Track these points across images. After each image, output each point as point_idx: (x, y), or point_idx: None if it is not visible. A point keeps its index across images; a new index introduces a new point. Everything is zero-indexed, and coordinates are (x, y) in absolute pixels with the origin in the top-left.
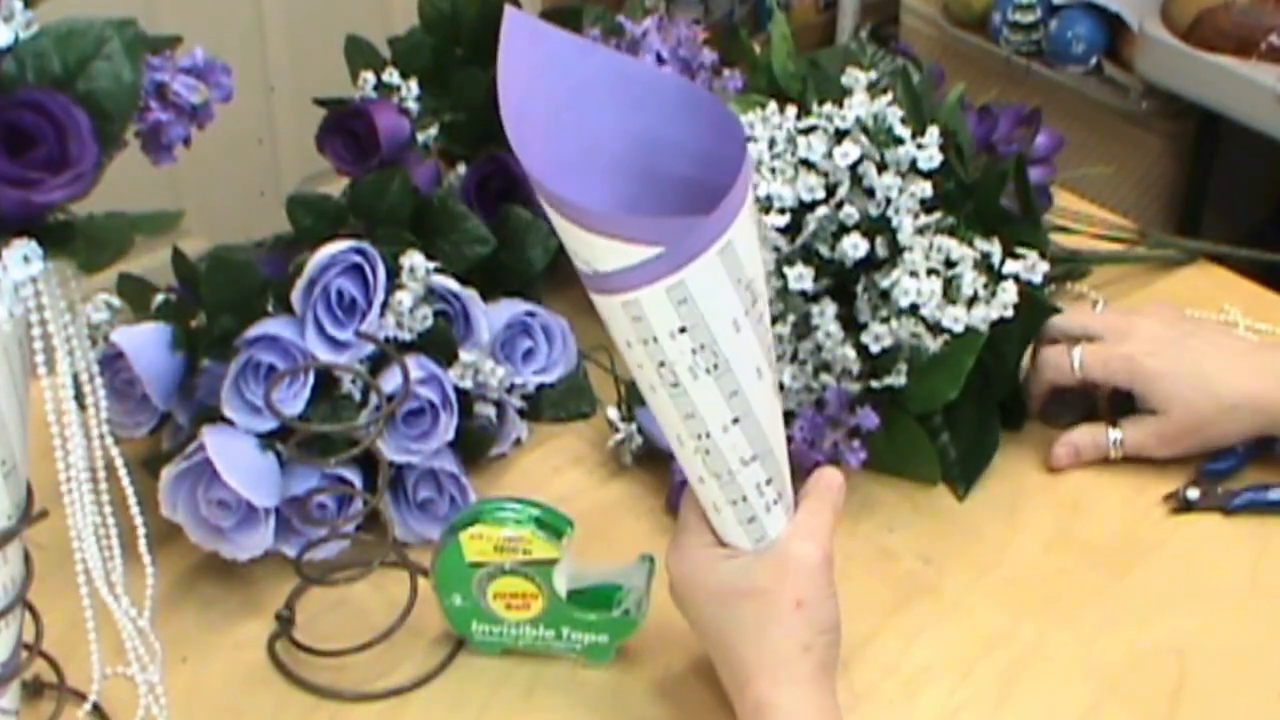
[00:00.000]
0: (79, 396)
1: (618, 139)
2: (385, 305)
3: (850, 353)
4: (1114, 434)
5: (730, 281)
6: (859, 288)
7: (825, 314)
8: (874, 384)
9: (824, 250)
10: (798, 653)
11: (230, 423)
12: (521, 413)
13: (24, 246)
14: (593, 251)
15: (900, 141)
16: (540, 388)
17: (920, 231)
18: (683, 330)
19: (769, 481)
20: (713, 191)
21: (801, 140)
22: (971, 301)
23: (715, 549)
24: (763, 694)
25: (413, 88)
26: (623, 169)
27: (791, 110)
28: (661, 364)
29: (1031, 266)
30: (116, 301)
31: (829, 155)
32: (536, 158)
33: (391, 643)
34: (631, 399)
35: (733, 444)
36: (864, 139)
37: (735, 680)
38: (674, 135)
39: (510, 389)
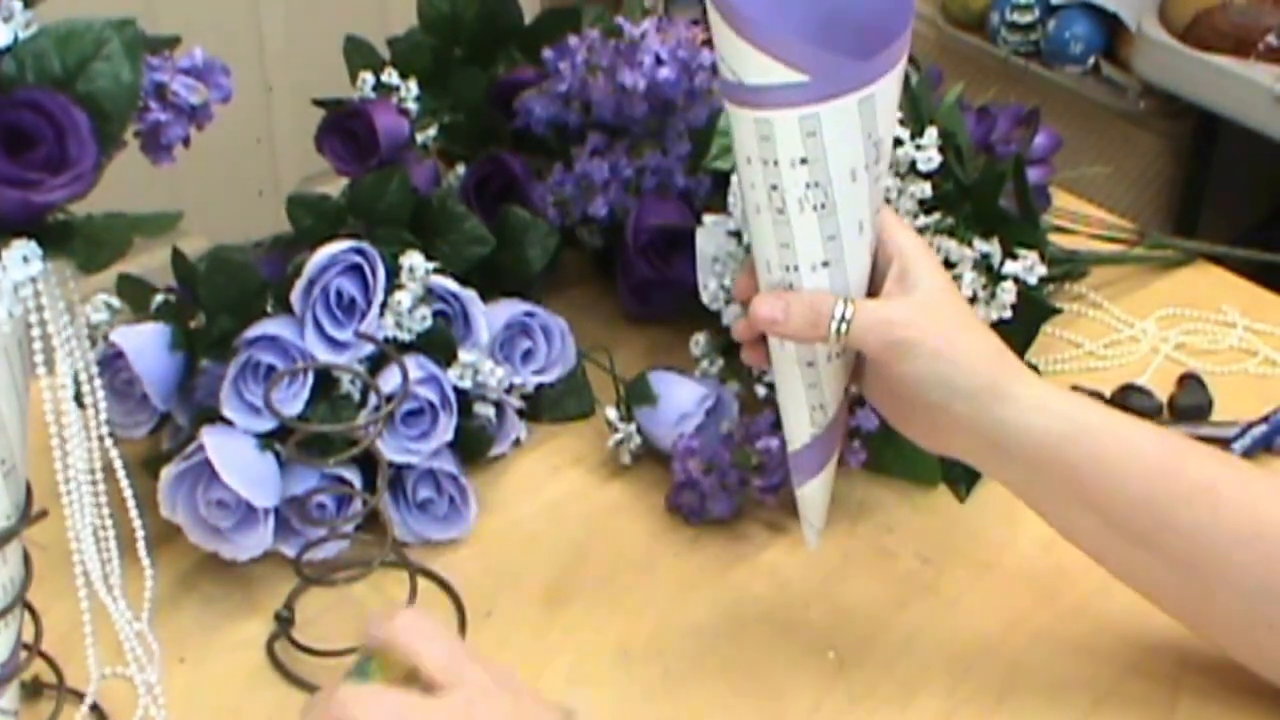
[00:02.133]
0: (78, 397)
1: None
2: (384, 305)
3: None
4: (842, 309)
5: (861, 132)
6: None
7: None
8: None
9: None
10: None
11: (230, 423)
12: (521, 413)
13: (23, 247)
14: (742, 61)
15: (899, 142)
16: (539, 388)
17: (920, 232)
18: (804, 161)
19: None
20: (874, 42)
21: None
22: (971, 302)
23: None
24: None
25: (412, 88)
26: (817, 7)
27: None
28: (774, 187)
29: (1030, 267)
30: (116, 302)
31: None
32: None
33: None
34: (630, 399)
35: (816, 286)
36: None
37: None
38: None
39: (509, 389)
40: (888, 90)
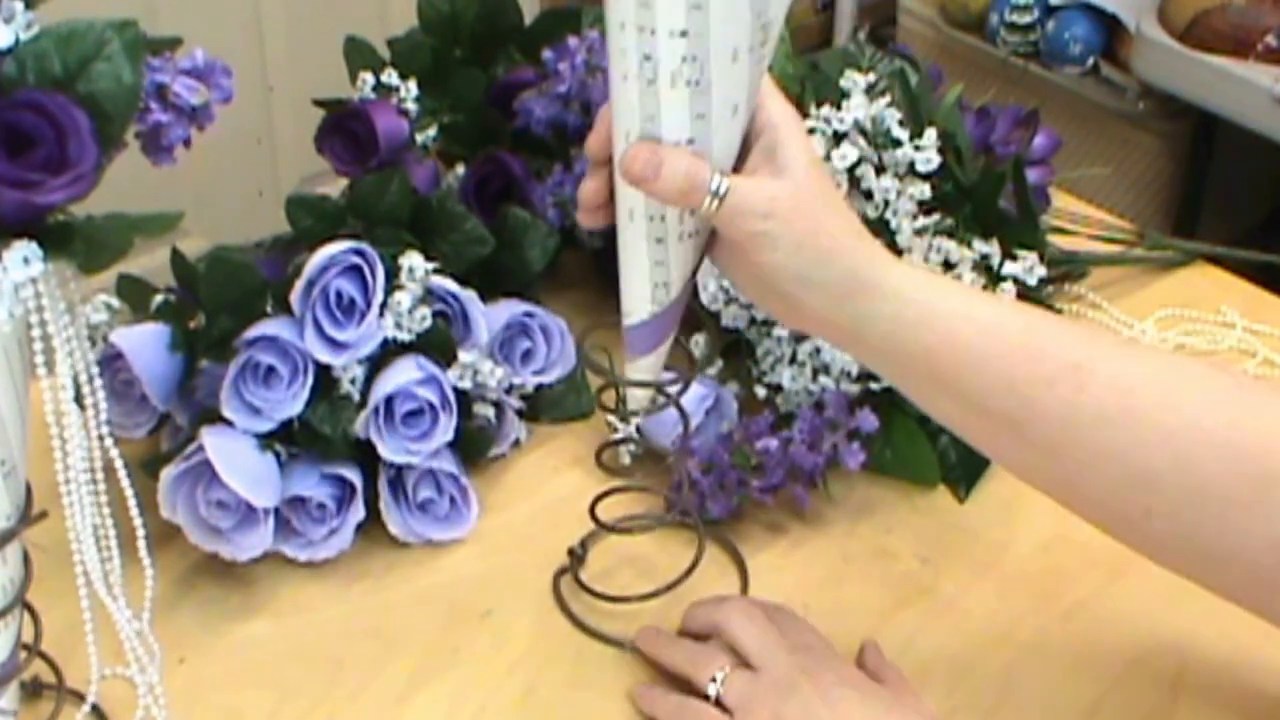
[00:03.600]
0: (78, 397)
1: None
2: (384, 306)
3: (849, 354)
4: (719, 181)
5: (751, 11)
6: None
7: None
8: (873, 386)
9: None
10: None
11: (229, 423)
12: (520, 413)
13: (24, 248)
14: None
15: (898, 143)
16: (539, 388)
17: (919, 233)
18: (684, 34)
19: (692, 213)
20: None
21: None
22: None
23: None
24: None
25: (411, 88)
26: None
27: None
28: (647, 57)
29: (1030, 268)
30: (116, 302)
31: (827, 158)
32: None
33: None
34: (630, 398)
35: None
36: (862, 141)
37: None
38: None
39: (509, 389)
40: None
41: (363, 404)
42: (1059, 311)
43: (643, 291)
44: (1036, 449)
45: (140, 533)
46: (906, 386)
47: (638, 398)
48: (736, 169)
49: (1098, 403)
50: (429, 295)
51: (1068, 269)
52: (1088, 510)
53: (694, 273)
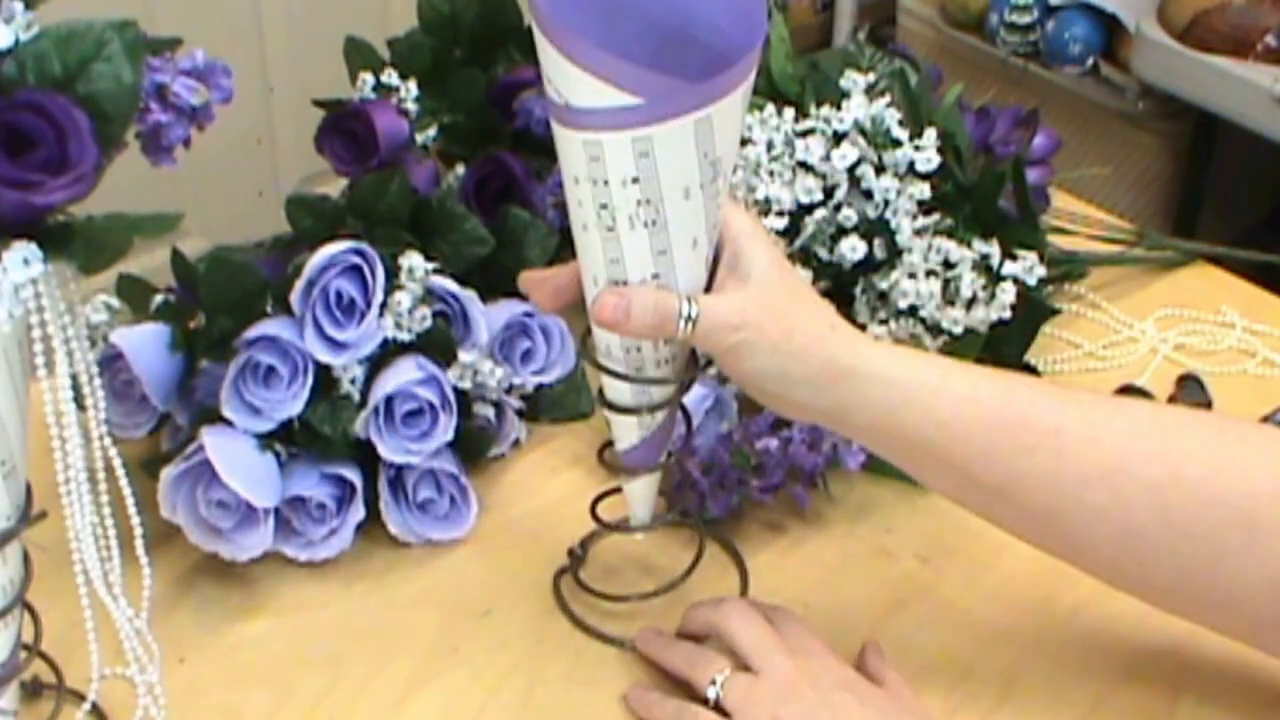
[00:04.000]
0: (78, 397)
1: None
2: (384, 306)
3: None
4: (688, 308)
5: (697, 152)
6: (858, 289)
7: None
8: None
9: (822, 252)
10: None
11: (229, 423)
12: (520, 413)
13: (24, 248)
14: (571, 84)
15: (898, 143)
16: (539, 388)
17: (919, 233)
18: (635, 180)
19: (667, 342)
20: (718, 61)
21: (799, 143)
22: (970, 303)
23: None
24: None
25: (411, 88)
26: (655, 28)
27: (790, 112)
28: (603, 206)
29: (1029, 268)
30: (116, 302)
31: (827, 158)
32: None
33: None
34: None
35: None
36: (862, 141)
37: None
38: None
39: (509, 389)
40: (729, 109)
41: (363, 404)
42: (1058, 312)
43: (628, 421)
44: (1028, 513)
45: (139, 532)
46: (899, 462)
47: (640, 517)
48: (706, 289)
49: (1078, 465)
50: (429, 295)
51: (1067, 269)
52: (1087, 566)
53: (678, 394)
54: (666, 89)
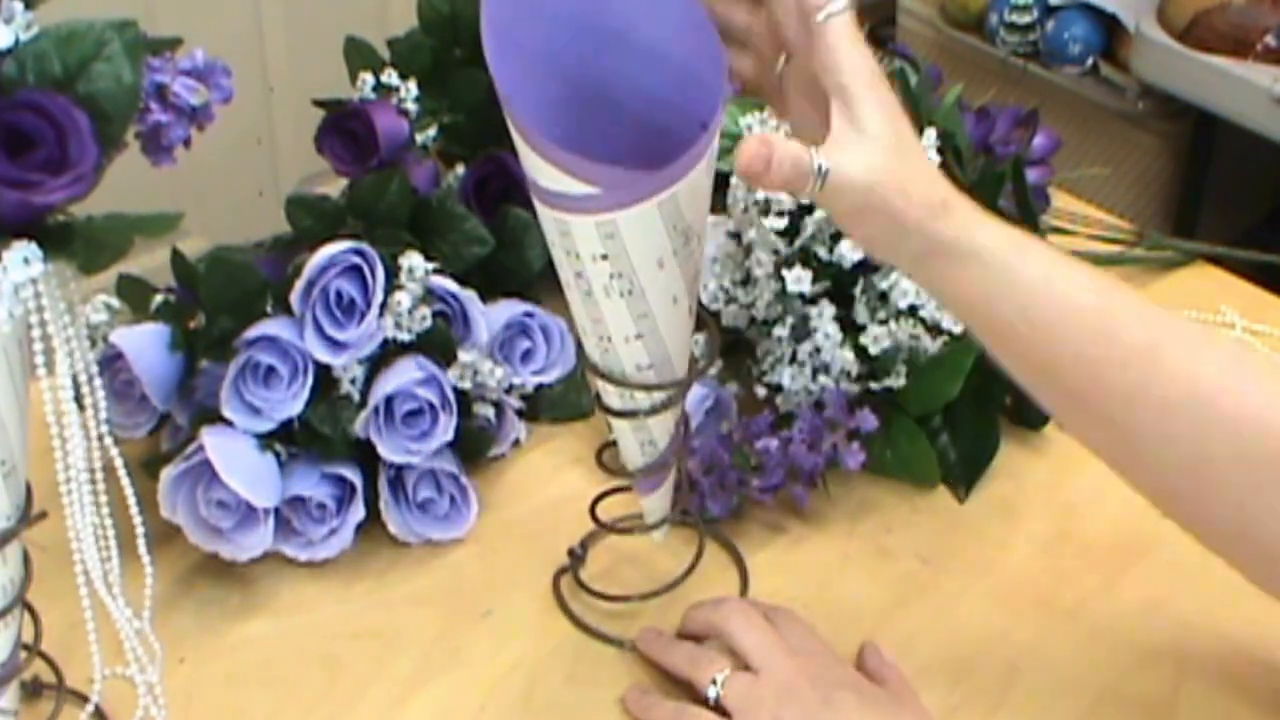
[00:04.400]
0: (78, 397)
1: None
2: (384, 306)
3: (849, 354)
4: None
5: (665, 226)
6: (857, 290)
7: (823, 316)
8: (873, 386)
9: (822, 252)
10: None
11: (229, 423)
12: (520, 413)
13: (24, 248)
14: (535, 167)
15: None
16: (539, 388)
17: None
18: (604, 257)
19: (660, 387)
20: (683, 138)
21: None
22: None
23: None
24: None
25: (411, 88)
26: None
27: None
28: (579, 274)
29: None
30: (116, 302)
31: None
32: (508, 64)
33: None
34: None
35: (631, 354)
36: None
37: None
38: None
39: (509, 389)
40: (695, 181)
41: (363, 404)
42: None
43: (633, 448)
44: (1101, 424)
45: (140, 531)
46: (987, 345)
47: (654, 511)
48: (801, 116)
49: (1164, 389)
50: (429, 295)
51: None
52: (1145, 488)
53: (677, 427)
54: (624, 180)
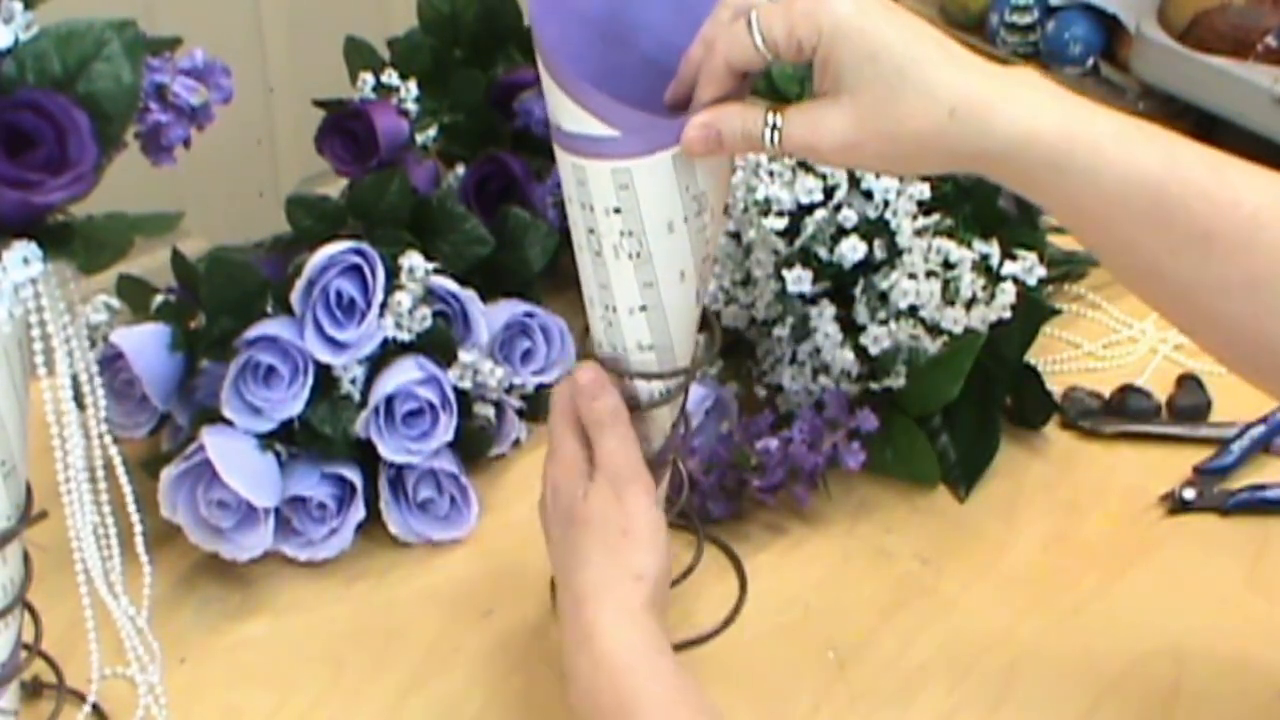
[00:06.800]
0: (78, 397)
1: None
2: (384, 306)
3: (849, 355)
4: (772, 118)
5: (678, 187)
6: (858, 290)
7: (824, 316)
8: (873, 386)
9: (822, 253)
10: (629, 581)
11: (230, 423)
12: (520, 413)
13: (24, 248)
14: (558, 106)
15: None
16: (539, 388)
17: (919, 233)
18: (617, 211)
19: (660, 376)
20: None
21: None
22: (970, 303)
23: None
24: (592, 616)
25: (412, 89)
26: (650, 65)
27: None
28: (591, 231)
29: (1029, 268)
30: (116, 302)
31: None
32: (546, 7)
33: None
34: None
35: (634, 328)
36: None
37: (571, 603)
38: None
39: (509, 389)
40: None
41: (363, 404)
42: (1058, 312)
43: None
44: (1161, 298)
45: (139, 530)
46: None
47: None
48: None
49: (1221, 274)
50: (429, 295)
51: (1067, 269)
52: (1212, 350)
53: (674, 427)
54: (642, 124)
